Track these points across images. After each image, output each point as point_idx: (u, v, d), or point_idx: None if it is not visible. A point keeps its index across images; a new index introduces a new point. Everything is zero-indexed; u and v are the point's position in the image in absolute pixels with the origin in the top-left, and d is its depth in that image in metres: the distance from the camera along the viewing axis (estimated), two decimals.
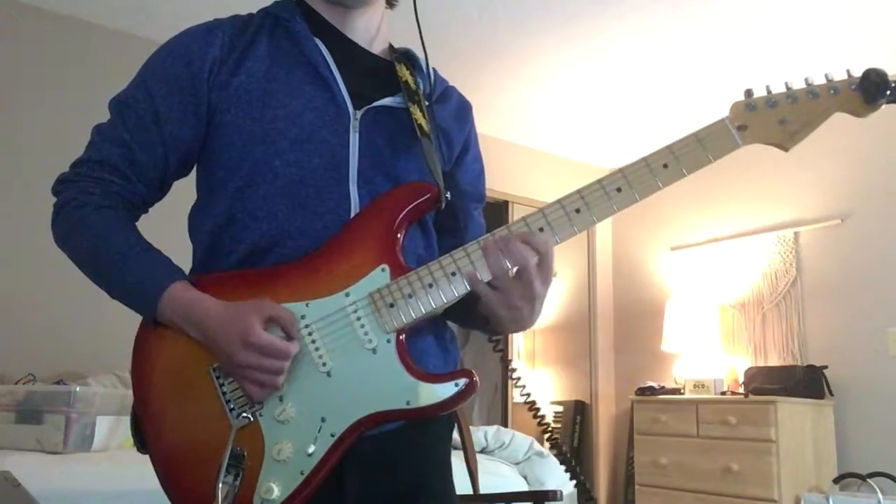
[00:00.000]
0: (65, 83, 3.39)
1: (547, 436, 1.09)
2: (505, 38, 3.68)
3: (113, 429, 2.25)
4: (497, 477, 2.63)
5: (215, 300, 0.99)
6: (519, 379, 1.07)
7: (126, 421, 1.44)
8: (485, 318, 1.04)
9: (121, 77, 1.15)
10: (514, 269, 0.98)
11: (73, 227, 1.06)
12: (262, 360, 0.95)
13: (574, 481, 1.08)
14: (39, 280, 3.10)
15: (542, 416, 1.11)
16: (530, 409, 1.08)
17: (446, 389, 0.97)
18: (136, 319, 1.06)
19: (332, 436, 0.97)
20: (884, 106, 0.99)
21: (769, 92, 1.02)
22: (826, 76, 1.01)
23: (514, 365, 1.07)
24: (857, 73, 1.00)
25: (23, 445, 2.16)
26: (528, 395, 1.06)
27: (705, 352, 4.42)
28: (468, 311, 1.05)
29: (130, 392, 1.05)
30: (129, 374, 1.05)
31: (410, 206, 1.04)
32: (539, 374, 5.50)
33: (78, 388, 2.23)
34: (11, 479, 1.28)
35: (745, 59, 3.79)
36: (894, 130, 3.90)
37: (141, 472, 1.69)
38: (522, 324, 1.03)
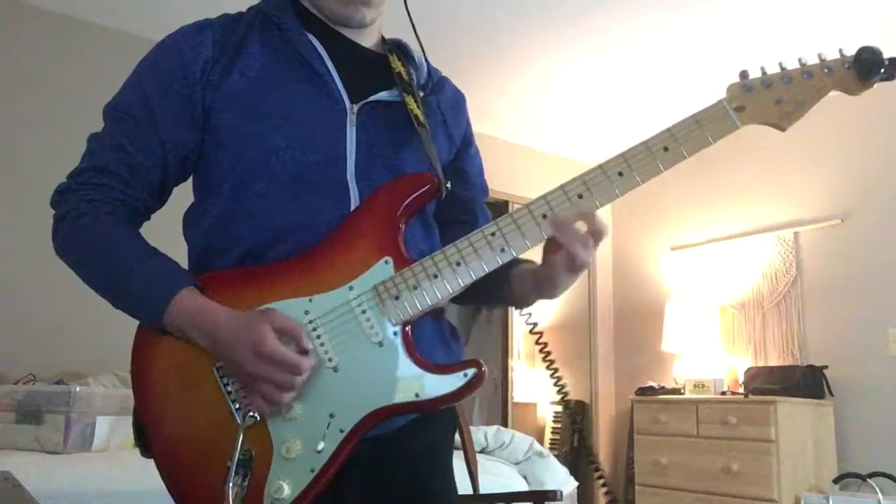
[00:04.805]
0: (65, 83, 3.39)
1: (565, 402, 1.09)
2: (505, 38, 3.68)
3: (113, 429, 2.24)
4: (497, 477, 2.63)
5: (225, 308, 0.97)
6: (546, 345, 1.08)
7: (126, 421, 1.43)
8: (511, 290, 1.09)
9: (120, 77, 1.13)
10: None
11: (75, 239, 1.03)
12: (274, 372, 0.93)
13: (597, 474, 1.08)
14: (40, 280, 3.09)
15: (563, 386, 1.11)
16: (553, 376, 1.08)
17: (455, 380, 0.97)
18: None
19: (342, 431, 0.95)
20: (876, 84, 0.99)
21: (764, 73, 1.03)
22: (819, 55, 1.02)
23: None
24: (850, 52, 1.01)
25: (23, 445, 2.16)
26: (553, 361, 1.07)
27: (705, 352, 4.42)
28: (493, 287, 1.05)
29: (131, 392, 1.03)
30: (129, 374, 1.03)
31: (411, 198, 1.03)
32: (539, 374, 5.50)
33: (78, 388, 2.23)
34: (11, 479, 1.27)
35: (747, 58, 3.79)
36: (894, 131, 3.90)
37: (141, 472, 1.69)
38: (565, 289, 1.09)
